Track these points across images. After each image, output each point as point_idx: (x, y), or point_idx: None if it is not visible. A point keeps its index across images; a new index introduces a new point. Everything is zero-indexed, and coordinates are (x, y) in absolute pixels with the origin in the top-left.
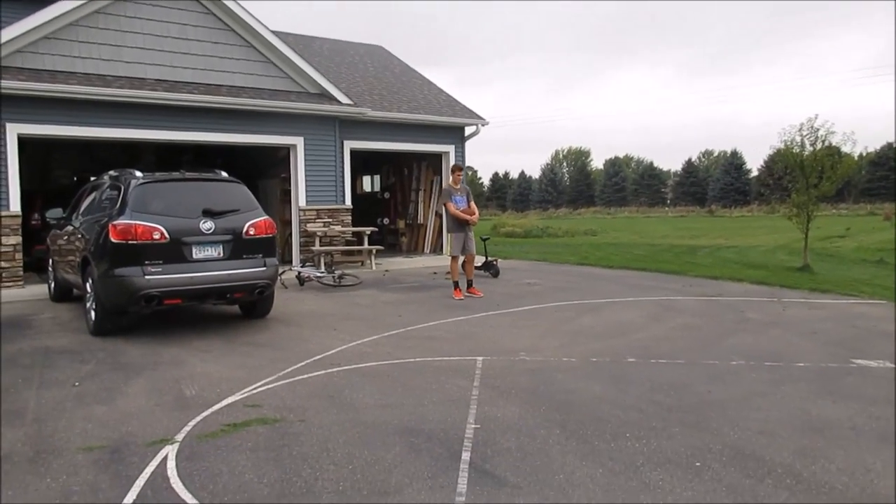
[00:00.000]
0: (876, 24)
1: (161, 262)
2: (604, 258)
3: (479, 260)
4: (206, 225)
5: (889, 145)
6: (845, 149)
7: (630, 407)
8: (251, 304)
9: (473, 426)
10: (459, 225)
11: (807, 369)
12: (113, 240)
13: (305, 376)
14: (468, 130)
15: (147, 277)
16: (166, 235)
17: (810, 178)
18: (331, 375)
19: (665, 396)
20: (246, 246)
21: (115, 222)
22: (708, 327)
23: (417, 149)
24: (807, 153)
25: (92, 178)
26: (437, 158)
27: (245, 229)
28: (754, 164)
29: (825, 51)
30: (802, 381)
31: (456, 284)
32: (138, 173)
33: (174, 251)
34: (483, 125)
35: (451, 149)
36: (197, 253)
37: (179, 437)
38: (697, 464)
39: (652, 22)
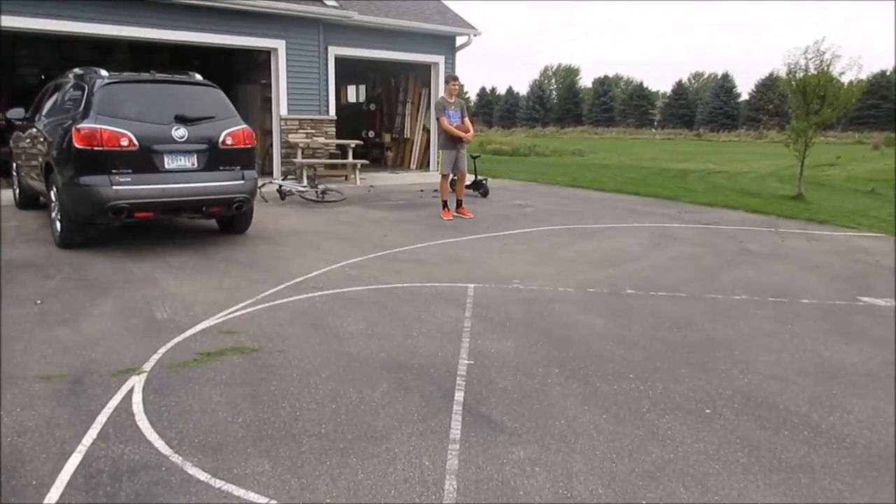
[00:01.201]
0: None
1: (130, 171)
2: (595, 180)
3: (468, 178)
4: (179, 132)
5: (882, 73)
6: (850, 75)
7: (633, 344)
8: (229, 220)
9: (467, 362)
10: (451, 141)
11: (813, 307)
12: (77, 145)
13: (286, 300)
14: (459, 41)
15: (115, 188)
16: (135, 142)
17: (811, 104)
18: (313, 300)
19: (668, 333)
20: (223, 156)
21: (78, 126)
22: (708, 258)
23: (406, 58)
24: (810, 78)
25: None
26: (426, 69)
27: (221, 138)
28: (745, 88)
29: None
30: (810, 319)
31: (445, 204)
32: (104, 72)
33: (144, 160)
34: (475, 35)
35: (440, 59)
36: (169, 162)
37: (147, 366)
38: (707, 411)
39: None
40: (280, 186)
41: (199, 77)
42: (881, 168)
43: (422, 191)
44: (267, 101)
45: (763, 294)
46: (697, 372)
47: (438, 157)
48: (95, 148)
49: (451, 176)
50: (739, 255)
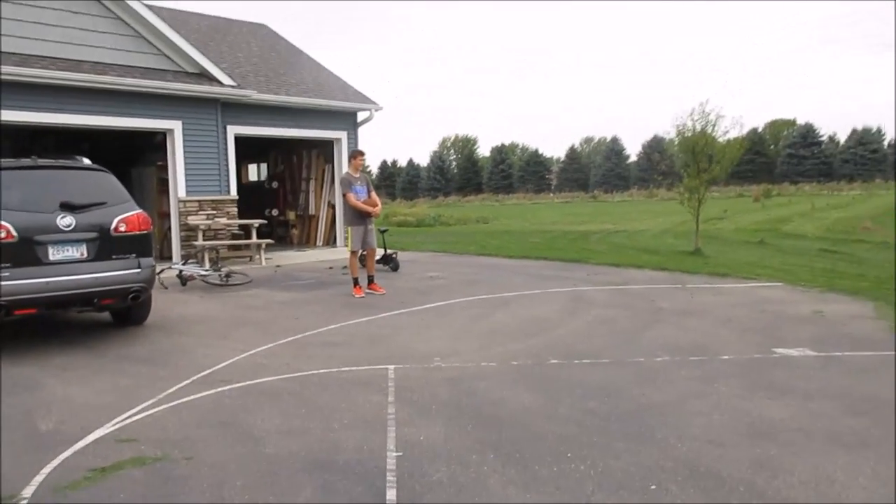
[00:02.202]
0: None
1: (9, 265)
2: (502, 247)
3: (378, 253)
4: (65, 221)
5: (754, 130)
6: (732, 133)
7: (565, 419)
8: (124, 311)
9: (395, 454)
10: (360, 217)
11: (732, 362)
12: None
13: (192, 398)
14: (361, 116)
15: None
16: (13, 233)
17: (701, 162)
18: (222, 396)
19: (599, 403)
20: (116, 244)
21: None
22: (624, 319)
23: (308, 135)
24: (699, 139)
25: None
26: (328, 145)
27: (114, 225)
28: (633, 150)
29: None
30: (732, 376)
31: (356, 281)
32: None
33: (25, 252)
34: (377, 110)
35: (343, 135)
36: (54, 254)
37: (28, 491)
38: (653, 487)
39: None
40: (180, 271)
41: (86, 161)
42: (764, 219)
43: (331, 268)
44: (164, 183)
45: (683, 353)
46: (635, 444)
47: (346, 234)
48: None
49: (360, 252)
50: (654, 315)
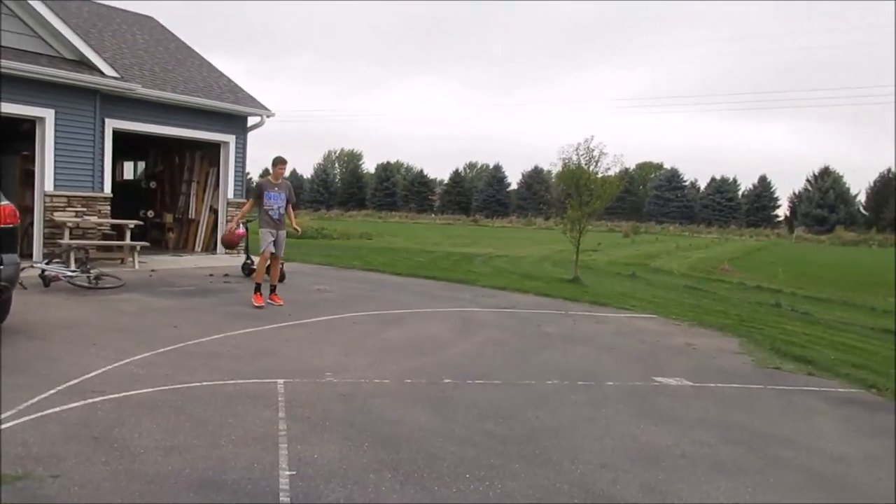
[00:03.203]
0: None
1: None
2: (387, 264)
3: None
4: None
5: (626, 170)
6: (614, 170)
7: (462, 440)
8: None
9: (288, 473)
10: (272, 222)
11: (618, 389)
12: None
13: (58, 409)
14: (251, 121)
15: None
16: None
17: (583, 195)
18: (93, 408)
19: (495, 425)
20: None
21: None
22: (514, 342)
23: (194, 135)
24: (584, 173)
25: None
26: (214, 148)
27: None
28: (514, 178)
29: (589, 81)
30: (619, 402)
31: (257, 287)
32: None
33: None
34: (268, 116)
35: (231, 139)
36: None
37: None
38: None
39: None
40: (43, 271)
41: None
42: (634, 254)
43: (212, 275)
44: (29, 175)
45: (573, 378)
46: (532, 466)
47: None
48: None
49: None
50: (541, 339)
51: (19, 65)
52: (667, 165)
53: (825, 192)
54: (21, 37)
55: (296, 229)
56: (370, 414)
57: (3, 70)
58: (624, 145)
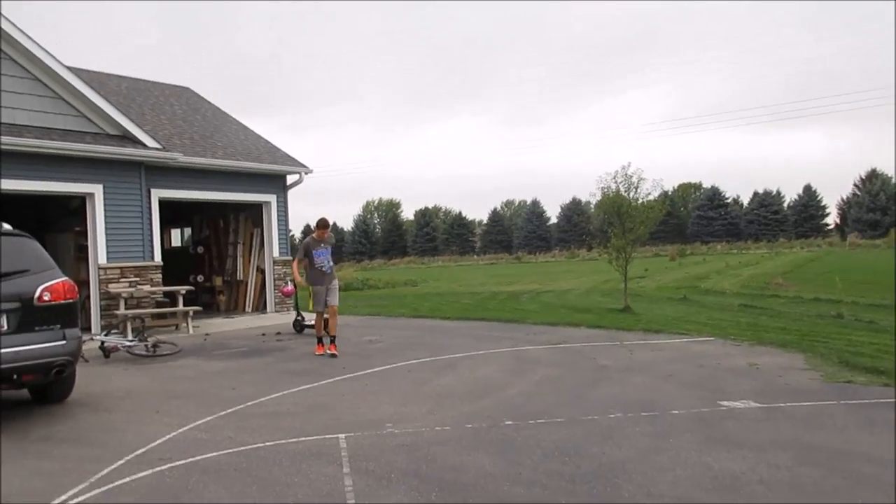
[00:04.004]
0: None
1: None
2: (435, 309)
3: (312, 317)
4: None
5: (666, 193)
6: (654, 195)
7: (530, 482)
8: (45, 388)
9: None
10: (320, 276)
11: (684, 417)
12: None
13: (128, 479)
14: (290, 179)
15: None
16: None
17: (626, 222)
18: (162, 476)
19: (561, 464)
20: (39, 315)
21: None
22: (570, 378)
23: (236, 198)
24: (624, 200)
25: None
26: (256, 209)
27: (38, 294)
28: (552, 212)
29: (615, 107)
30: (687, 430)
31: (319, 340)
32: None
33: None
34: (307, 173)
35: (272, 198)
36: None
37: None
38: None
39: (464, 77)
40: (103, 343)
41: (7, 226)
42: (683, 277)
43: (263, 335)
44: (82, 250)
45: (635, 410)
46: None
47: (309, 295)
48: None
49: (324, 312)
50: (598, 372)
51: (67, 144)
52: (706, 184)
53: (875, 196)
54: (66, 117)
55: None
56: (434, 462)
57: (53, 151)
58: (660, 168)
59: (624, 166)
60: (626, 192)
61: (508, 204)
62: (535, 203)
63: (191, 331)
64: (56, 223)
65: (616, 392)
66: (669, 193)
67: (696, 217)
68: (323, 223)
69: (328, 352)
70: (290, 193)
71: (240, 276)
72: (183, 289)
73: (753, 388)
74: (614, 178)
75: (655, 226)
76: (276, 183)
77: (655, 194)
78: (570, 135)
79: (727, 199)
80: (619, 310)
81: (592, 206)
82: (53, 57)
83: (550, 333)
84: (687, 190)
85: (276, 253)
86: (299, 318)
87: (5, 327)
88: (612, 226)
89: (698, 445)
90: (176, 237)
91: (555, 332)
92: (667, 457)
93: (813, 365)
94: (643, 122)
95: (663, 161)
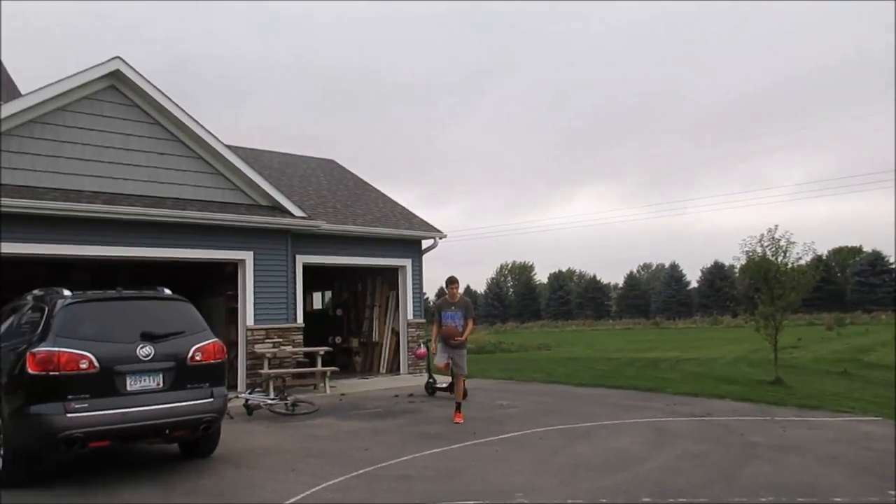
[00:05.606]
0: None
1: (88, 396)
2: (570, 375)
3: (444, 380)
4: (145, 350)
5: (819, 258)
6: (806, 258)
7: None
8: (193, 442)
9: None
10: (444, 340)
11: None
12: (30, 371)
13: None
14: (425, 244)
15: (69, 415)
16: (96, 364)
17: (775, 288)
18: None
19: None
20: (191, 374)
21: (34, 350)
22: (715, 454)
23: (373, 262)
24: (772, 265)
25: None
26: (392, 273)
27: (190, 354)
28: (692, 276)
29: (755, 171)
30: None
31: (458, 407)
32: (66, 292)
33: (105, 382)
34: (441, 238)
35: (408, 263)
36: (132, 384)
37: None
38: None
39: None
40: (247, 400)
41: (167, 291)
42: (842, 348)
43: (396, 396)
44: (233, 312)
45: (790, 494)
46: None
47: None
48: (51, 373)
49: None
50: (747, 450)
51: (226, 216)
52: (867, 248)
53: None
54: (224, 191)
55: (457, 339)
56: None
57: (212, 222)
58: (811, 233)
59: (770, 229)
60: (773, 256)
61: (645, 267)
62: (674, 266)
63: (328, 390)
64: (211, 288)
65: (768, 472)
66: (823, 258)
67: (855, 284)
68: (452, 279)
69: (453, 421)
70: (425, 258)
71: (375, 337)
72: (322, 350)
73: None
74: (760, 241)
75: (808, 292)
76: (412, 248)
77: (807, 258)
78: (714, 196)
79: (892, 264)
80: (770, 382)
81: (736, 270)
82: (215, 137)
83: (693, 405)
84: (845, 255)
85: (410, 315)
86: (431, 380)
87: (161, 385)
88: (759, 291)
89: None
90: (317, 300)
91: (697, 404)
92: None
93: None
94: (795, 183)
95: (817, 224)
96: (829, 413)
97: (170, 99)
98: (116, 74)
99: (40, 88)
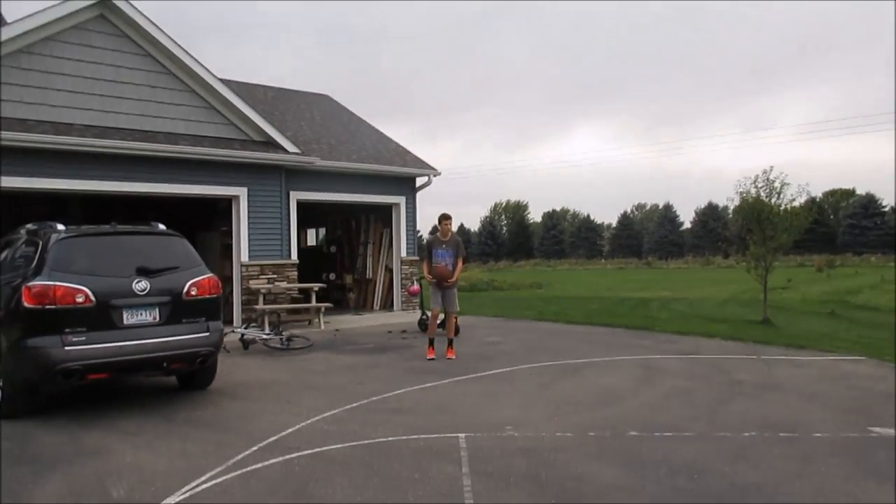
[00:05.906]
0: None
1: (85, 329)
2: (560, 313)
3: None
4: (141, 285)
5: (813, 199)
6: (800, 200)
7: (654, 497)
8: (190, 375)
9: None
10: (437, 276)
11: (828, 441)
12: (26, 304)
13: (259, 465)
14: (419, 181)
15: (67, 348)
16: (92, 298)
17: (767, 230)
18: (290, 464)
19: (688, 481)
20: (187, 308)
21: (29, 284)
22: (701, 391)
23: (367, 200)
24: (765, 206)
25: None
26: (386, 210)
27: (186, 289)
28: (686, 217)
29: (759, 109)
30: (831, 456)
31: (431, 342)
32: (60, 226)
33: (101, 316)
34: (435, 175)
35: (401, 200)
36: (128, 318)
37: None
38: None
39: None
40: (243, 335)
41: (162, 227)
42: (831, 289)
43: (390, 332)
44: (227, 248)
45: (772, 430)
46: None
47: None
48: (47, 307)
49: (440, 314)
50: (732, 387)
51: (219, 151)
52: (860, 191)
53: None
54: (217, 125)
55: (448, 281)
56: (554, 469)
57: (205, 157)
58: (808, 174)
59: (765, 170)
60: (766, 197)
61: (639, 207)
62: (668, 207)
63: (322, 326)
64: (204, 223)
65: (752, 409)
66: (817, 200)
67: (847, 226)
68: (444, 216)
69: (446, 357)
70: (419, 195)
71: (369, 274)
72: (316, 286)
73: None
74: (754, 182)
75: (800, 234)
76: (406, 185)
77: (801, 200)
78: (711, 136)
79: (885, 206)
80: (758, 321)
81: (730, 211)
82: (208, 70)
83: (681, 343)
84: (838, 197)
85: (403, 253)
86: (424, 316)
87: (157, 319)
88: (752, 233)
89: (844, 474)
90: (311, 237)
91: (686, 342)
92: (809, 483)
93: None
94: (795, 123)
95: (813, 166)
96: (815, 352)
97: (161, 30)
98: (106, 3)
99: (27, 16)
